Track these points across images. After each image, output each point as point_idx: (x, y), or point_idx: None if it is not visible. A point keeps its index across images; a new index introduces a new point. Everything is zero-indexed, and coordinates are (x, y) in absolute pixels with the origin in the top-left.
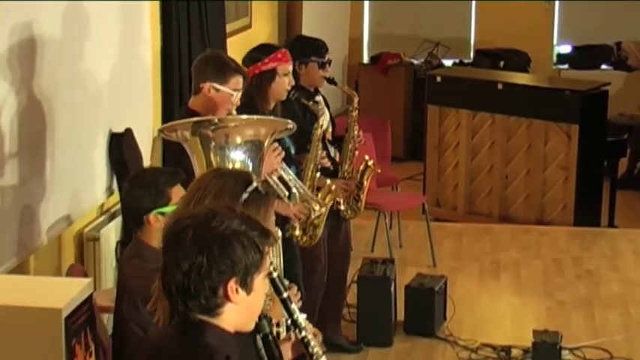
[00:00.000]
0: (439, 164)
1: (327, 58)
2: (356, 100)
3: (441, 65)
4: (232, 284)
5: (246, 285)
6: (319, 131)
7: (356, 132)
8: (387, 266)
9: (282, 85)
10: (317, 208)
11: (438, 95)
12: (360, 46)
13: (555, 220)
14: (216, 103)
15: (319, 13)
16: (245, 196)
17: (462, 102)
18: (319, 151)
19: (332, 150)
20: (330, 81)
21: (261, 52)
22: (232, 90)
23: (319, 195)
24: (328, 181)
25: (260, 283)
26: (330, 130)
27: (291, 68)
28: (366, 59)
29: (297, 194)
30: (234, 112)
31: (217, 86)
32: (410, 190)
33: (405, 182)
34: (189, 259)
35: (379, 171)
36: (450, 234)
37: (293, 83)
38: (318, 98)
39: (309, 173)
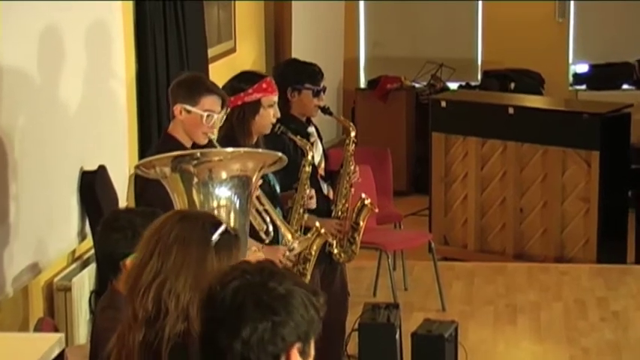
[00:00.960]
0: (446, 198)
1: (322, 85)
2: (353, 132)
3: (446, 89)
4: (295, 350)
5: (304, 352)
6: (308, 168)
7: (352, 167)
8: (391, 312)
9: (267, 117)
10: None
11: (443, 121)
12: (355, 69)
13: (576, 257)
14: (188, 126)
15: (310, 35)
16: (215, 239)
17: (469, 128)
18: (307, 191)
19: (325, 187)
20: (325, 110)
21: (243, 81)
22: (204, 111)
23: (307, 237)
24: (317, 223)
25: (313, 349)
26: (323, 164)
27: (276, 99)
28: (362, 84)
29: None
30: (214, 135)
31: (188, 107)
32: (414, 227)
33: (409, 218)
34: (251, 325)
35: (377, 210)
36: (460, 275)
37: (278, 115)
38: (311, 129)
39: (296, 215)
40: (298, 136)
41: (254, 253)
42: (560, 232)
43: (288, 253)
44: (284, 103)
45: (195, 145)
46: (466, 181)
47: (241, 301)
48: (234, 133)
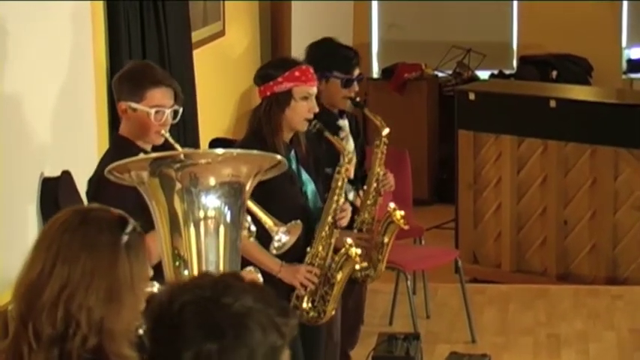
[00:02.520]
0: (475, 208)
1: (356, 73)
2: (384, 131)
3: (475, 78)
4: None
5: None
6: (343, 175)
7: (382, 173)
8: (411, 343)
9: (300, 111)
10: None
11: (472, 117)
12: (367, 55)
13: (631, 277)
14: (136, 125)
15: (313, 15)
16: (125, 239)
17: (503, 125)
18: (340, 202)
19: (351, 193)
20: (357, 103)
21: (274, 67)
22: (152, 107)
23: (334, 262)
24: (349, 240)
25: None
26: (353, 165)
27: (314, 91)
28: (375, 73)
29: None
30: (167, 133)
31: (133, 105)
32: (438, 243)
33: (431, 232)
34: (194, 347)
35: (407, 227)
36: (492, 299)
37: (316, 110)
38: (342, 122)
39: (323, 231)
40: (335, 137)
41: (248, 273)
42: (612, 249)
43: (310, 272)
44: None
45: (155, 148)
46: (499, 188)
47: (186, 320)
48: (261, 128)
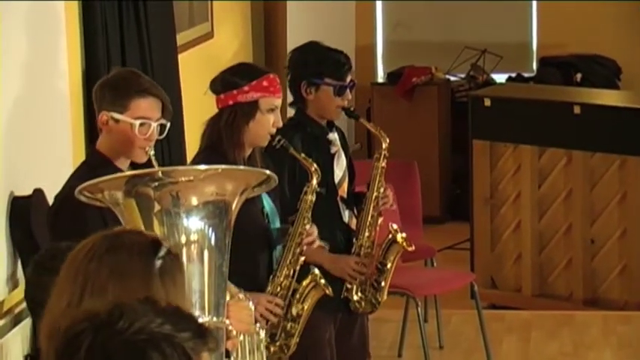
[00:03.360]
0: (493, 226)
1: (348, 79)
2: (384, 143)
3: (491, 82)
4: None
5: None
6: (311, 197)
7: (382, 190)
8: None
9: (264, 125)
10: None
11: (488, 125)
12: (371, 58)
13: None
14: (118, 139)
15: (311, 15)
16: (159, 264)
17: (522, 134)
18: (307, 226)
19: (345, 213)
20: (350, 113)
21: (239, 74)
22: (136, 118)
23: (299, 291)
24: (316, 270)
25: None
26: (346, 183)
27: (279, 103)
28: (380, 77)
29: None
30: (151, 152)
31: (115, 115)
32: (452, 265)
33: (444, 253)
34: None
35: (411, 249)
36: (512, 327)
37: (279, 124)
38: (333, 136)
39: (289, 256)
40: (303, 155)
41: (236, 302)
42: None
43: (272, 302)
44: (298, 101)
45: (135, 165)
46: (519, 204)
47: (77, 347)
48: (220, 141)
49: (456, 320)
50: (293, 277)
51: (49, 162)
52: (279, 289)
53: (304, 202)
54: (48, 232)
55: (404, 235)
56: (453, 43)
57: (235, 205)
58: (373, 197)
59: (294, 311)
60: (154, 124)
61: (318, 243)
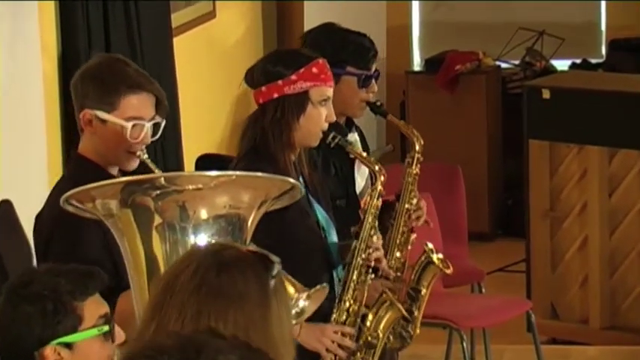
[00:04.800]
0: (553, 243)
1: (373, 68)
2: (417, 144)
3: (550, 70)
4: None
5: None
6: (377, 202)
7: (414, 201)
8: None
9: (317, 120)
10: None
11: (547, 122)
12: (406, 42)
13: None
14: (104, 142)
15: None
16: (272, 284)
17: (588, 132)
18: (374, 239)
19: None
20: (376, 109)
21: (282, 62)
22: (127, 119)
23: (369, 317)
24: (386, 293)
25: None
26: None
27: (331, 93)
28: (417, 64)
29: None
30: (144, 155)
31: (102, 115)
32: (504, 291)
33: (494, 277)
34: None
35: (449, 271)
36: None
37: (333, 118)
38: (353, 137)
39: (354, 275)
40: (364, 153)
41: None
42: None
43: (339, 333)
44: None
45: (125, 174)
46: (585, 217)
47: None
48: (267, 143)
49: (509, 357)
50: (361, 301)
51: (19, 168)
52: (345, 316)
53: (369, 210)
54: (36, 258)
55: (440, 255)
56: (504, 23)
57: (252, 221)
58: (404, 210)
59: (367, 340)
60: (148, 125)
61: (383, 259)
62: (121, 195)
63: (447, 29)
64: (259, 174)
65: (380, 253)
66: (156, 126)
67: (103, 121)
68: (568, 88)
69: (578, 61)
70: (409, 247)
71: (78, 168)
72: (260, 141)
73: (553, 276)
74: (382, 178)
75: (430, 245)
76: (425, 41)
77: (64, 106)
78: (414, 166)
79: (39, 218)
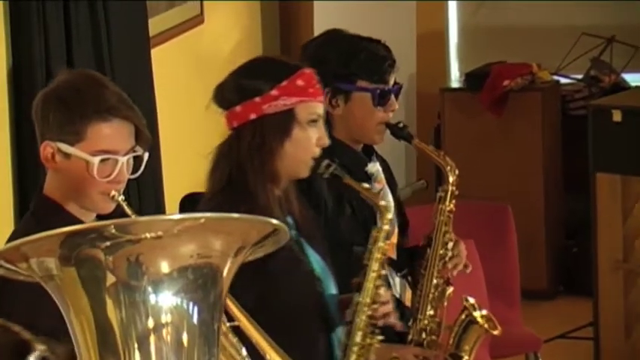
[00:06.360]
0: (627, 302)
1: (391, 80)
2: (451, 175)
3: (621, 86)
4: None
5: None
6: (382, 245)
7: (450, 244)
8: None
9: (306, 144)
10: None
11: (618, 151)
12: (441, 51)
13: None
14: (69, 180)
15: None
16: None
17: None
18: (381, 291)
19: (397, 282)
20: (398, 131)
21: (260, 74)
22: (92, 153)
23: None
24: (394, 354)
25: None
26: (395, 236)
27: (322, 109)
28: (455, 80)
29: None
30: (119, 197)
31: (65, 148)
32: None
33: (554, 344)
34: None
35: (497, 332)
36: None
37: (327, 142)
38: (373, 167)
39: (358, 336)
40: (364, 184)
41: None
42: None
43: None
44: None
45: (101, 217)
46: None
47: None
48: (244, 176)
49: None
50: None
51: None
52: None
53: (372, 254)
54: None
55: (485, 311)
56: (563, 27)
57: (228, 271)
58: (437, 257)
59: None
60: (122, 159)
61: (393, 315)
62: (61, 250)
63: (493, 36)
64: (234, 215)
65: (388, 308)
66: (137, 160)
67: (67, 155)
68: None
69: None
70: (445, 304)
71: (39, 213)
72: (235, 174)
73: (627, 344)
74: (389, 215)
75: (471, 300)
76: (465, 51)
77: (15, 129)
78: (447, 202)
79: None
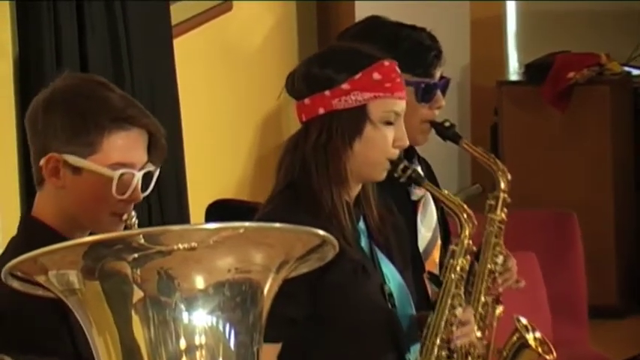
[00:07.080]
0: None
1: (437, 74)
2: (503, 181)
3: None
4: None
5: None
6: (462, 261)
7: (500, 259)
8: None
9: (381, 145)
10: None
11: None
12: (498, 40)
13: None
14: (77, 200)
15: None
16: None
17: None
18: (458, 309)
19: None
20: (444, 131)
21: (331, 63)
22: (110, 166)
23: None
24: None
25: None
26: (437, 249)
27: (402, 107)
28: (513, 71)
29: None
30: (133, 219)
31: (75, 161)
32: None
33: None
34: None
35: (551, 358)
36: None
37: (405, 143)
38: (415, 170)
39: (431, 358)
40: (447, 192)
41: None
42: None
43: None
44: None
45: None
46: None
47: None
48: (308, 177)
49: None
50: None
51: None
52: None
53: (450, 271)
54: None
55: (538, 333)
56: (636, 13)
57: (269, 289)
58: (486, 272)
59: None
60: (139, 175)
61: (472, 337)
62: (84, 262)
63: (556, 22)
64: (276, 225)
65: (467, 329)
66: (146, 176)
67: (76, 170)
68: None
69: None
70: (495, 324)
71: (33, 236)
72: (300, 175)
73: None
74: (470, 227)
75: (524, 320)
76: (525, 39)
77: (21, 141)
78: (498, 211)
79: None
